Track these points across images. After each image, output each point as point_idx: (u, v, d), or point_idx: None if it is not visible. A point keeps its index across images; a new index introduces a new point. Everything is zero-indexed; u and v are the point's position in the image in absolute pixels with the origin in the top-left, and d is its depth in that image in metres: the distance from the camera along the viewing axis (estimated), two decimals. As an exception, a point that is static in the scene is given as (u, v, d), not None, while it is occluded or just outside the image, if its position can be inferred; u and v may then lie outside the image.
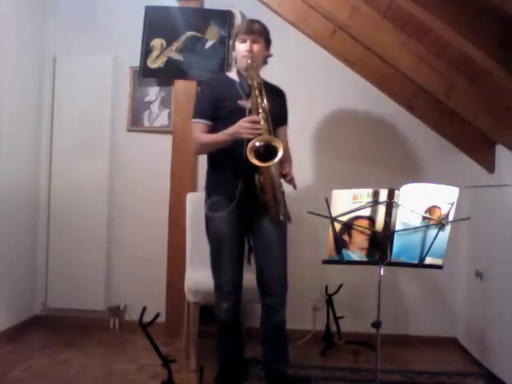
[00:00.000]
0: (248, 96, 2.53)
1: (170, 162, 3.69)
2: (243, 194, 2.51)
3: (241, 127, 2.42)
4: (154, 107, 3.83)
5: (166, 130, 3.80)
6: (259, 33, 2.61)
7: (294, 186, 2.59)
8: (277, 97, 2.72)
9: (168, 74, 3.73)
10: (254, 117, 2.44)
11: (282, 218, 2.53)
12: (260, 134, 2.39)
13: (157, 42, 3.70)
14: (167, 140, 3.75)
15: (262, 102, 2.46)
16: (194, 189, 3.69)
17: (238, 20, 3.67)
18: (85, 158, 3.81)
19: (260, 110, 2.45)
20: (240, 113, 2.51)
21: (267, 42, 2.67)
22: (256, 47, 2.59)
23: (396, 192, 2.22)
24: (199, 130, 2.62)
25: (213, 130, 2.61)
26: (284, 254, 2.64)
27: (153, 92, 3.84)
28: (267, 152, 2.37)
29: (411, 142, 3.69)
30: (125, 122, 3.85)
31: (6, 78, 3.43)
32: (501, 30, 2.23)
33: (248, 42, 2.58)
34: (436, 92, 3.11)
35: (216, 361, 2.73)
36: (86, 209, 3.80)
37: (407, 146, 3.70)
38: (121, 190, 3.86)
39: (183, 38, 3.68)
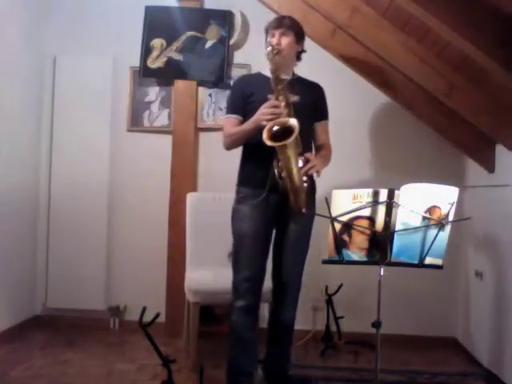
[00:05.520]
0: None
1: (170, 162, 3.69)
2: (273, 184, 2.35)
3: (261, 113, 2.32)
4: (154, 107, 3.83)
5: (166, 130, 3.80)
6: (288, 26, 2.52)
7: (318, 173, 2.44)
8: (311, 90, 2.63)
9: (168, 74, 3.73)
10: (272, 101, 2.34)
11: (304, 210, 2.36)
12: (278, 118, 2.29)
13: (157, 42, 3.70)
14: (167, 140, 3.75)
15: (282, 87, 2.35)
16: (194, 189, 3.69)
17: (237, 20, 3.67)
18: (85, 157, 3.81)
19: (280, 96, 2.35)
20: None
21: (298, 37, 2.57)
22: (284, 40, 2.49)
23: (396, 192, 2.22)
24: (230, 125, 2.54)
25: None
26: (303, 258, 2.58)
27: (153, 92, 3.84)
28: (286, 135, 2.24)
29: (411, 142, 3.69)
30: (125, 122, 3.85)
31: (6, 78, 3.43)
32: (501, 30, 2.23)
33: (276, 36, 2.50)
34: (436, 92, 3.10)
35: (225, 373, 2.57)
36: (86, 209, 3.80)
37: (407, 146, 3.69)
38: (121, 190, 3.86)
39: (183, 37, 3.68)
